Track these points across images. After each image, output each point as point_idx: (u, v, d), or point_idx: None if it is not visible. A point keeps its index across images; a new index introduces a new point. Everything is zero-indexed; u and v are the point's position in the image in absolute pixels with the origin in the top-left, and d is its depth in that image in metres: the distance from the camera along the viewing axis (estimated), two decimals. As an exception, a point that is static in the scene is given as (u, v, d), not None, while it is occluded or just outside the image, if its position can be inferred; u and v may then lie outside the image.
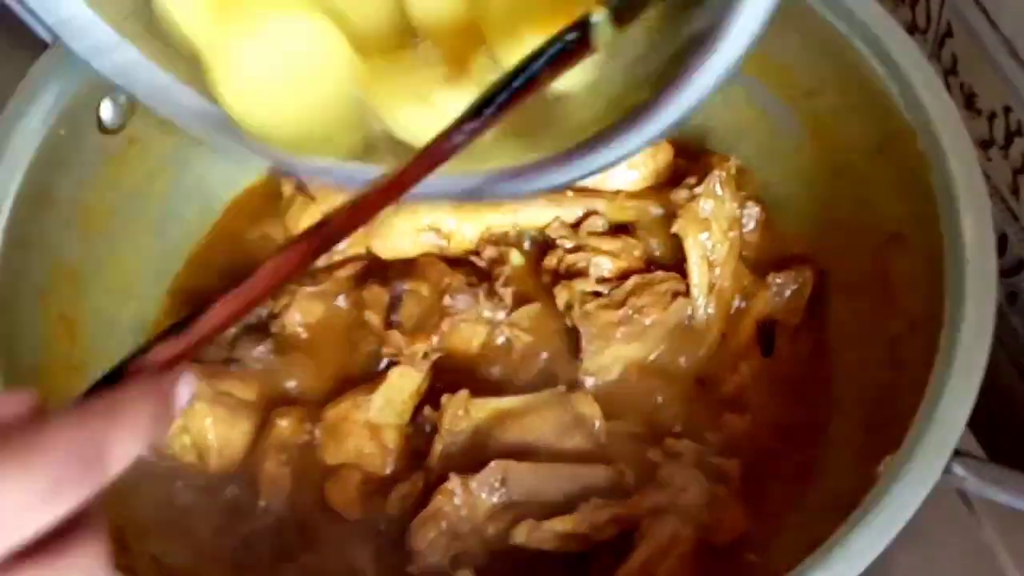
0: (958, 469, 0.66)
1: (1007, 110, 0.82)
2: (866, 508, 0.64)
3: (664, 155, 0.88)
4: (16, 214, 0.76)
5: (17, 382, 0.73)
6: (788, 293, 0.83)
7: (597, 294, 0.83)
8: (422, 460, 0.78)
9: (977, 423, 0.67)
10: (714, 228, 0.82)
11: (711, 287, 0.82)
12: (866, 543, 0.63)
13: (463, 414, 0.77)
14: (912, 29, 0.90)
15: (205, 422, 0.79)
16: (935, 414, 0.66)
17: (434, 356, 0.80)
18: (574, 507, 0.74)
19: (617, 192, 0.87)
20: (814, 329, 0.83)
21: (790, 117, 0.85)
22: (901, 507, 0.64)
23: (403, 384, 0.80)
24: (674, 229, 0.82)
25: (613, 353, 0.81)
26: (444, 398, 0.78)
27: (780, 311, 0.83)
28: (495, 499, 0.74)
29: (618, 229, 0.86)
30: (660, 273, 0.84)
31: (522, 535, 0.73)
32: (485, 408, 0.78)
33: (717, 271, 0.82)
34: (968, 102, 0.86)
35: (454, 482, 0.74)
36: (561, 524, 0.73)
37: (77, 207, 0.81)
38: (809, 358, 0.83)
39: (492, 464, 0.74)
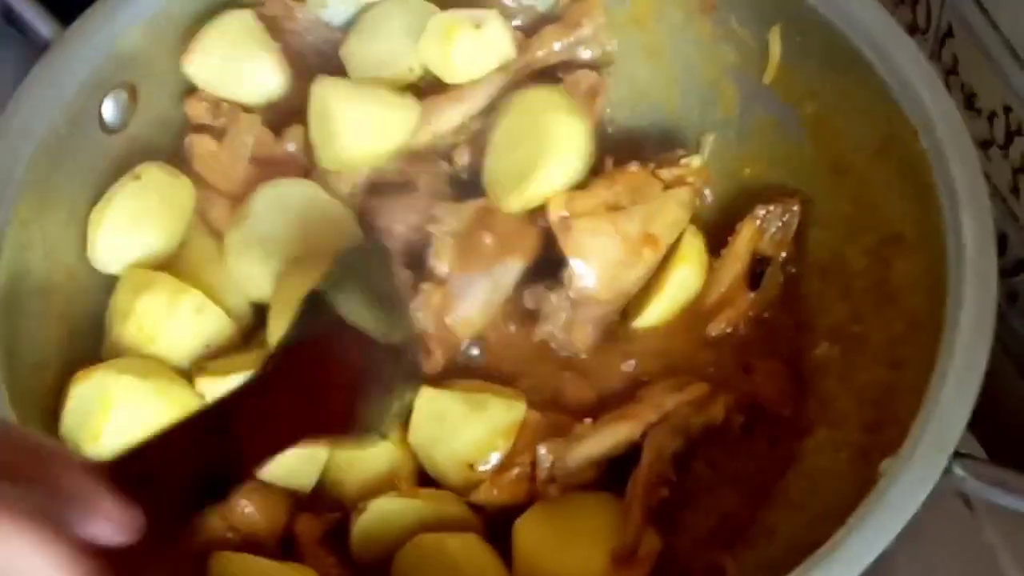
0: (958, 470, 0.66)
1: (1007, 110, 0.82)
2: (866, 510, 0.64)
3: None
4: (17, 214, 0.76)
5: (18, 382, 0.73)
6: (775, 228, 0.83)
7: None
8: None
9: (977, 424, 0.67)
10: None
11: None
12: (866, 545, 0.63)
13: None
14: (912, 29, 0.90)
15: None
16: (935, 415, 0.66)
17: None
18: None
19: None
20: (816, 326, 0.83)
21: (791, 117, 0.85)
22: (901, 508, 0.64)
23: None
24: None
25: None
26: None
27: (768, 245, 0.83)
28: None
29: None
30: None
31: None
32: None
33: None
34: (968, 102, 0.86)
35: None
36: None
37: (78, 207, 0.81)
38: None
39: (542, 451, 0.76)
